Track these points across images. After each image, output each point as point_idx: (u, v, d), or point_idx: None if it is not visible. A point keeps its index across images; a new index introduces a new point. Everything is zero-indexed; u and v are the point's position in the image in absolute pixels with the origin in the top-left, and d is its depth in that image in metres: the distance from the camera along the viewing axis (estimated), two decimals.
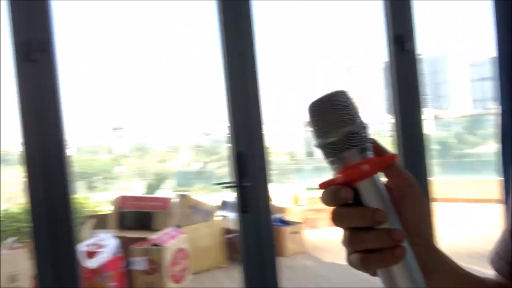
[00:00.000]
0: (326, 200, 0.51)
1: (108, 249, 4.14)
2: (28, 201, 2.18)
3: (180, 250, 4.49)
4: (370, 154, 0.52)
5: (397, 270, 0.51)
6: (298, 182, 9.78)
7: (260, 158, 2.46)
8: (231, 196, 2.54)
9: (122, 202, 5.05)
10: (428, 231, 0.56)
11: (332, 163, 0.52)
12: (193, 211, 5.15)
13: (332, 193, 0.50)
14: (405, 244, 0.50)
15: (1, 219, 5.74)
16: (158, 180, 10.15)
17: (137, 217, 4.95)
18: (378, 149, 0.53)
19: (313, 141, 0.53)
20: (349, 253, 0.52)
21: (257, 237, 2.45)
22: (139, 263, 4.24)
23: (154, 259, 4.22)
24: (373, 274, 0.52)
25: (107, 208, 6.15)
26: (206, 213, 5.18)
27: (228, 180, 2.48)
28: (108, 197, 8.13)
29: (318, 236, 6.05)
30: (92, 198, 7.64)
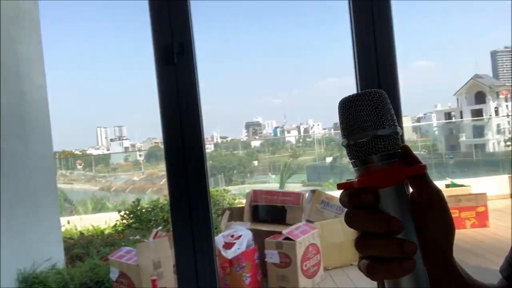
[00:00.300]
0: (344, 201, 0.50)
1: (243, 240, 4.31)
2: (170, 193, 2.35)
3: (312, 245, 4.49)
4: (396, 162, 0.49)
5: (404, 283, 0.48)
6: (438, 178, 9.09)
7: None
8: None
9: (256, 196, 5.22)
10: (448, 249, 0.53)
11: (354, 164, 0.50)
12: (325, 206, 5.11)
13: (352, 195, 0.49)
14: (418, 258, 0.48)
15: (150, 209, 6.36)
16: (290, 175, 10.31)
17: (270, 211, 5.07)
18: (408, 157, 0.50)
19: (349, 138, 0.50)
20: (360, 258, 0.51)
21: None
22: (272, 256, 4.34)
23: (286, 253, 4.29)
24: (382, 283, 0.50)
25: (242, 201, 6.43)
26: (338, 208, 5.10)
27: None
28: (243, 191, 8.49)
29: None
30: (230, 191, 8.05)
